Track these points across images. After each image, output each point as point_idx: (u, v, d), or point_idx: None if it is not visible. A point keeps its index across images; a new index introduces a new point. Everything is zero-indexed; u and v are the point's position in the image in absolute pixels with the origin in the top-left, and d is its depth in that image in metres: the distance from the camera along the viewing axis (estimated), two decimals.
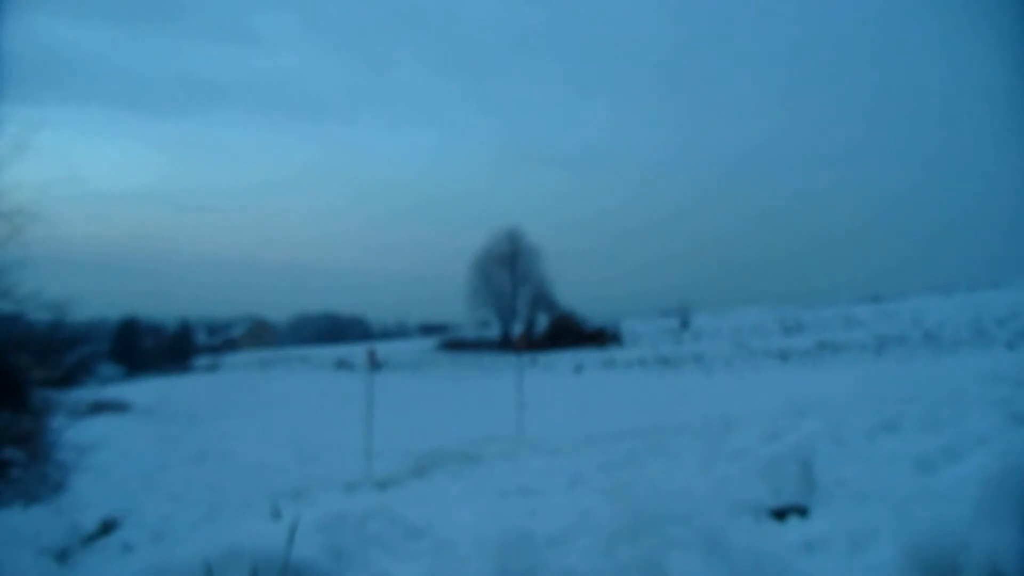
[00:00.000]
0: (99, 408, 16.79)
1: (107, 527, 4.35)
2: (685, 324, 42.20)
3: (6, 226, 6.26)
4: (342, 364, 35.81)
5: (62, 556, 3.10)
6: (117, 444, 12.72)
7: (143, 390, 24.62)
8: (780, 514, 2.83)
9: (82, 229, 60.30)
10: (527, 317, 44.36)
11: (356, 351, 35.41)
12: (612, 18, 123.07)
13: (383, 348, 31.92)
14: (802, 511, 2.83)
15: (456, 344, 44.28)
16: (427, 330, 66.14)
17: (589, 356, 32.21)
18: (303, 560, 2.26)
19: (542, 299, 44.49)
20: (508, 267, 44.62)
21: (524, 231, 45.55)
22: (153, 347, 49.71)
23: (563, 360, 30.91)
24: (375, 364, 10.28)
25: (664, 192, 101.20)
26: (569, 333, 40.19)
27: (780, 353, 25.63)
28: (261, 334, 69.24)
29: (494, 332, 44.09)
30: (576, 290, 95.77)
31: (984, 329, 23.97)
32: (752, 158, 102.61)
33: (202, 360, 46.51)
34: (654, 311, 53.02)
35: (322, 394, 23.24)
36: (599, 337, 39.33)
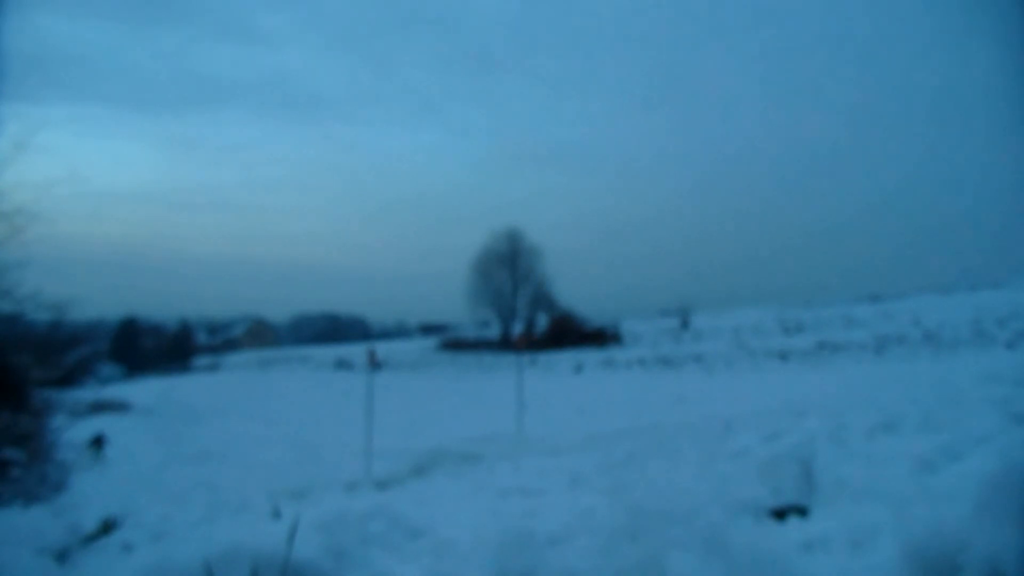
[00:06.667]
0: (99, 408, 16.81)
1: (107, 527, 4.34)
2: (685, 324, 42.20)
3: (6, 226, 6.26)
4: (342, 364, 35.82)
5: (62, 556, 3.09)
6: (117, 444, 12.72)
7: (143, 390, 24.63)
8: (780, 514, 2.83)
9: (82, 229, 60.41)
10: (527, 317, 44.36)
11: (356, 351, 35.39)
12: (612, 18, 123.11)
13: (383, 348, 31.91)
14: (802, 511, 2.82)
15: (456, 344, 44.27)
16: (427, 330, 66.12)
17: (589, 356, 32.20)
18: (303, 560, 2.26)
19: (542, 299, 44.51)
20: (508, 267, 44.64)
21: (524, 231, 45.67)
22: (153, 347, 49.70)
23: (563, 360, 30.91)
24: (375, 364, 10.28)
25: (664, 192, 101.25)
26: (569, 333, 40.19)
27: (780, 353, 25.62)
28: (261, 334, 69.21)
29: (494, 332, 44.07)
30: (576, 290, 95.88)
31: (984, 329, 23.96)
32: (752, 157, 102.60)
33: (202, 360, 46.52)
34: (654, 311, 53.07)
35: (322, 394, 23.24)
36: (599, 337, 39.33)
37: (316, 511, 3.01)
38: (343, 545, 2.50)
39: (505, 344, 40.14)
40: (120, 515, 4.98)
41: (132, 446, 12.99)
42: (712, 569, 2.16)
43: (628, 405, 14.91)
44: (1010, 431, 3.16)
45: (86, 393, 18.17)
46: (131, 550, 3.40)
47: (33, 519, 3.45)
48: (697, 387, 18.15)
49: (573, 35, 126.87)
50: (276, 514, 3.36)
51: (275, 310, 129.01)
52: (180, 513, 5.59)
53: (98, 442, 11.39)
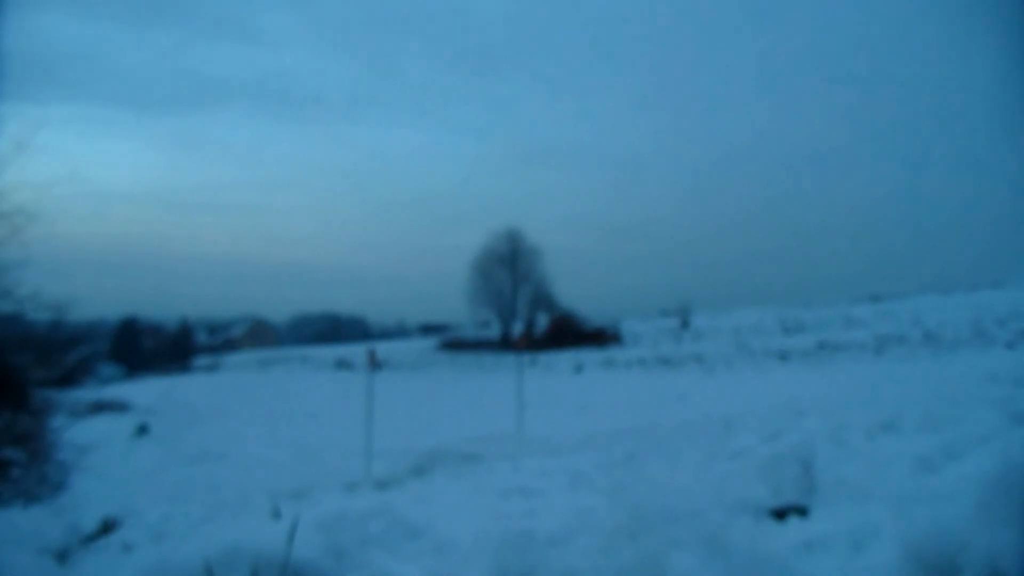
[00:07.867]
0: (99, 408, 16.83)
1: (107, 527, 4.35)
2: (685, 324, 42.19)
3: (6, 226, 6.27)
4: (342, 364, 35.82)
5: (62, 556, 3.10)
6: (117, 444, 12.73)
7: (143, 390, 24.63)
8: (780, 514, 2.83)
9: (82, 228, 60.39)
10: (527, 317, 44.36)
11: (356, 351, 35.41)
12: (611, 18, 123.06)
13: (383, 348, 31.88)
14: (802, 511, 2.82)
15: (456, 344, 44.26)
16: (427, 330, 66.09)
17: (589, 356, 32.20)
18: (303, 560, 2.26)
19: (542, 299, 44.51)
20: (508, 267, 44.64)
21: (524, 231, 45.67)
22: (153, 347, 49.67)
23: (563, 360, 30.91)
24: (375, 364, 10.28)
25: (664, 191, 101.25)
26: (569, 333, 40.18)
27: (780, 353, 25.63)
28: (261, 334, 69.20)
29: (494, 332, 44.07)
30: (576, 290, 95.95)
31: (984, 329, 23.96)
32: (753, 157, 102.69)
33: (202, 360, 46.50)
34: (654, 311, 53.08)
35: (322, 394, 23.24)
36: (599, 337, 39.32)
37: (316, 511, 3.01)
38: (343, 545, 2.50)
39: (505, 344, 40.13)
40: (120, 515, 4.98)
41: (132, 446, 13.02)
42: (712, 569, 2.16)
43: (628, 405, 14.91)
44: (1010, 431, 3.16)
45: (86, 393, 18.18)
46: (131, 550, 3.41)
47: (33, 519, 3.45)
48: (697, 387, 18.15)
49: (572, 35, 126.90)
50: (276, 514, 3.35)
51: (275, 310, 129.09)
52: (180, 513, 5.60)
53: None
